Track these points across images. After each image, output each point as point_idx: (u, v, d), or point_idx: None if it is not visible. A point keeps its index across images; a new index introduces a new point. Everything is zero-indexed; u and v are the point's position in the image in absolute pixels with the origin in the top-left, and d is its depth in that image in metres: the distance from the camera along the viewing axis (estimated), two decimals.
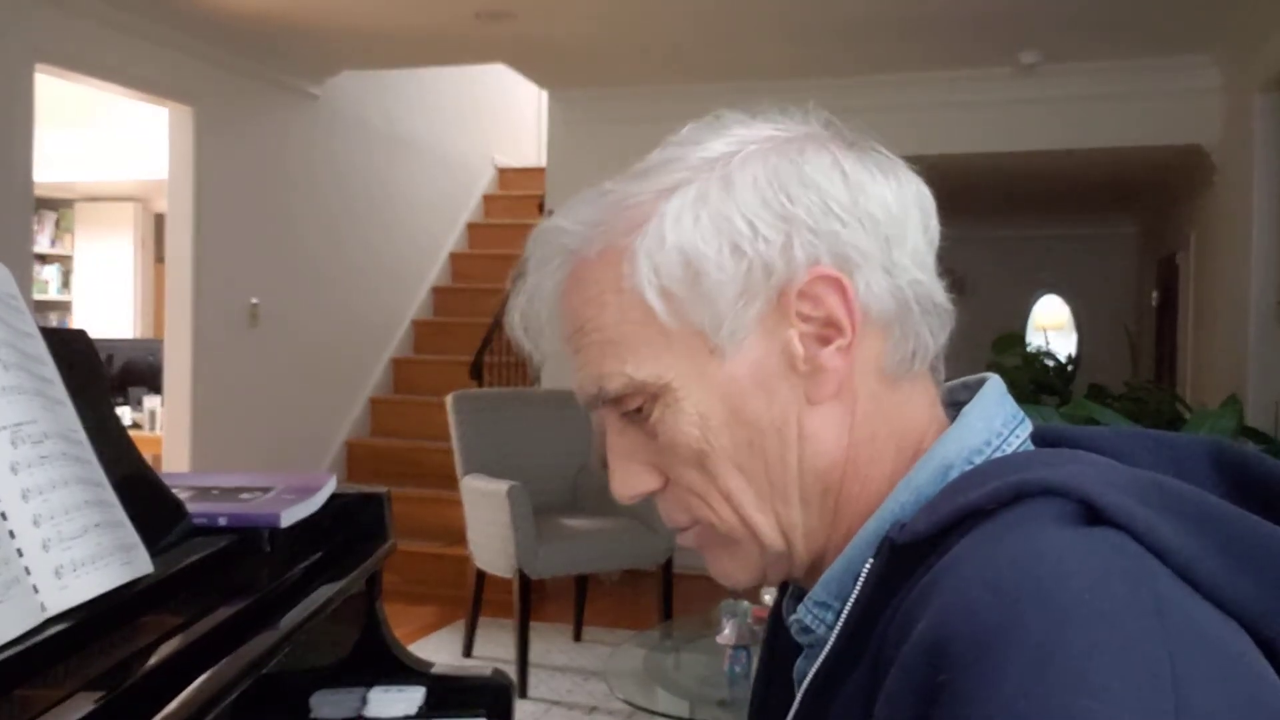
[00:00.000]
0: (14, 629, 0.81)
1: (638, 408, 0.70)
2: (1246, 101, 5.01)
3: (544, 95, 6.87)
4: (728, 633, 3.21)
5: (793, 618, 0.72)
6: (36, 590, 0.86)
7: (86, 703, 0.77)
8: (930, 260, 0.71)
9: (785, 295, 0.67)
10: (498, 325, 6.31)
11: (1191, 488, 0.61)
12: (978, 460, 0.68)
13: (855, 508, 0.70)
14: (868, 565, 0.65)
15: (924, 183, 0.73)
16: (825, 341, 0.68)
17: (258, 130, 5.91)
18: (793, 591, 0.79)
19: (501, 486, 4.38)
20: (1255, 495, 0.66)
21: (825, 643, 0.68)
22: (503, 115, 9.03)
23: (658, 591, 4.85)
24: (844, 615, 0.65)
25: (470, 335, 6.77)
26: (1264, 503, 0.64)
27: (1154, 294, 8.46)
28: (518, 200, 8.45)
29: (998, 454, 0.69)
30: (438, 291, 7.91)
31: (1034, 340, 9.22)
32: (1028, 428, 0.71)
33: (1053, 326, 9.91)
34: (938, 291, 0.71)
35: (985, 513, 0.60)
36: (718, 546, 0.73)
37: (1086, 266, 9.81)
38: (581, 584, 5.01)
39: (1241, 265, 5.08)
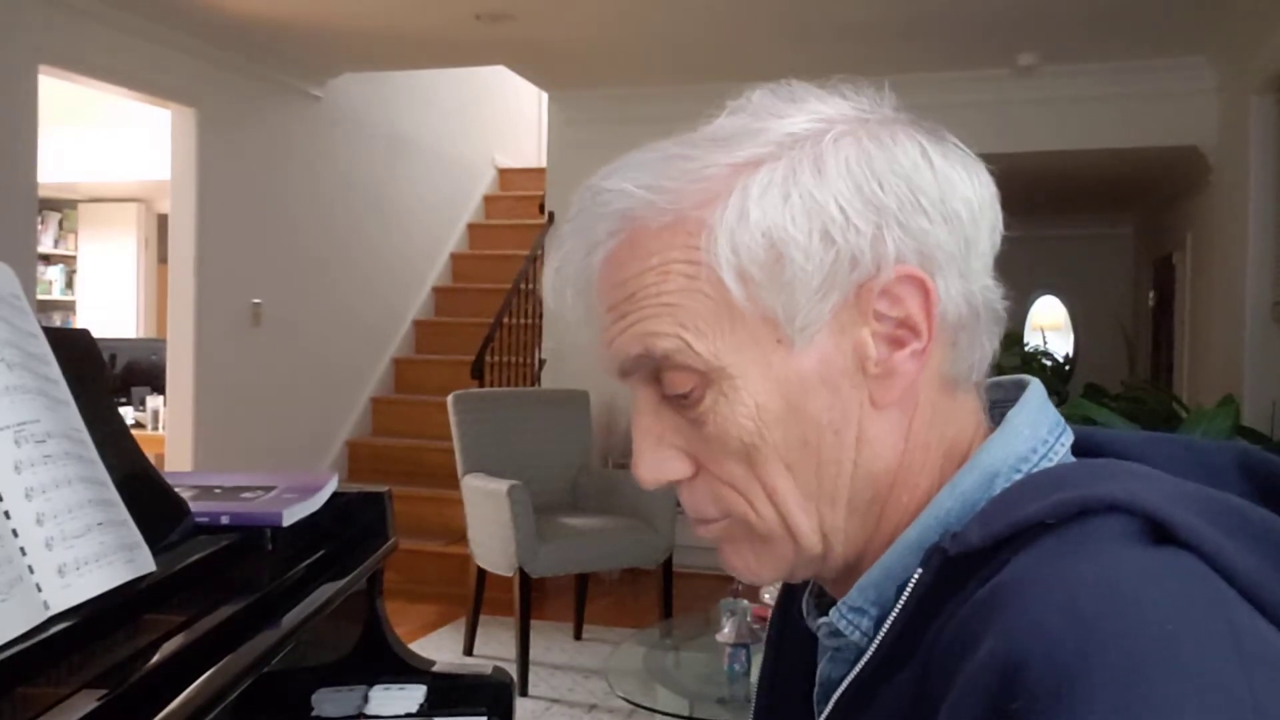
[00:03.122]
0: (17, 627, 0.82)
1: (684, 393, 0.65)
2: (1242, 103, 5.02)
3: (544, 96, 6.88)
4: (727, 631, 3.21)
5: (822, 620, 0.70)
6: (39, 589, 0.86)
7: (89, 700, 0.78)
8: (991, 263, 0.68)
9: (865, 291, 0.63)
10: (499, 325, 6.32)
11: (1245, 502, 0.59)
12: (1024, 469, 0.66)
13: (900, 516, 0.67)
14: (915, 576, 0.62)
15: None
16: (897, 343, 0.64)
17: (260, 131, 5.92)
18: (814, 589, 0.76)
19: (502, 486, 4.39)
20: None
21: (857, 648, 0.66)
22: (503, 116, 9.04)
23: (658, 590, 4.85)
24: (888, 624, 0.63)
25: (471, 335, 6.78)
26: None
27: (1151, 294, 8.46)
28: (518, 201, 8.46)
29: (1044, 462, 0.66)
30: (439, 291, 7.92)
31: (1031, 340, 9.22)
32: (1069, 436, 0.69)
33: (1050, 326, 9.90)
34: (998, 298, 0.68)
35: (1044, 526, 0.58)
36: (745, 542, 0.69)
37: (1084, 267, 9.81)
38: (582, 582, 5.02)
39: (1238, 266, 5.08)
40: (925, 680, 0.58)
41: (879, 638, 0.64)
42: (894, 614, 0.63)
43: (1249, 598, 0.54)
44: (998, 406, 0.71)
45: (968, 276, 0.65)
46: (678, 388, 0.66)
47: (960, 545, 0.60)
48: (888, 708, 0.61)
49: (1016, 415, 0.68)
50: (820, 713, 0.68)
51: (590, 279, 0.68)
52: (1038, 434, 0.67)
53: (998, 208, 0.68)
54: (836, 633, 0.68)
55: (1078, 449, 0.70)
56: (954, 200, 0.65)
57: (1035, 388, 0.70)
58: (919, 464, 0.67)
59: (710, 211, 0.64)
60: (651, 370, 0.66)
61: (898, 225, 0.63)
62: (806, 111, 0.66)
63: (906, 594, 0.63)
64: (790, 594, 0.82)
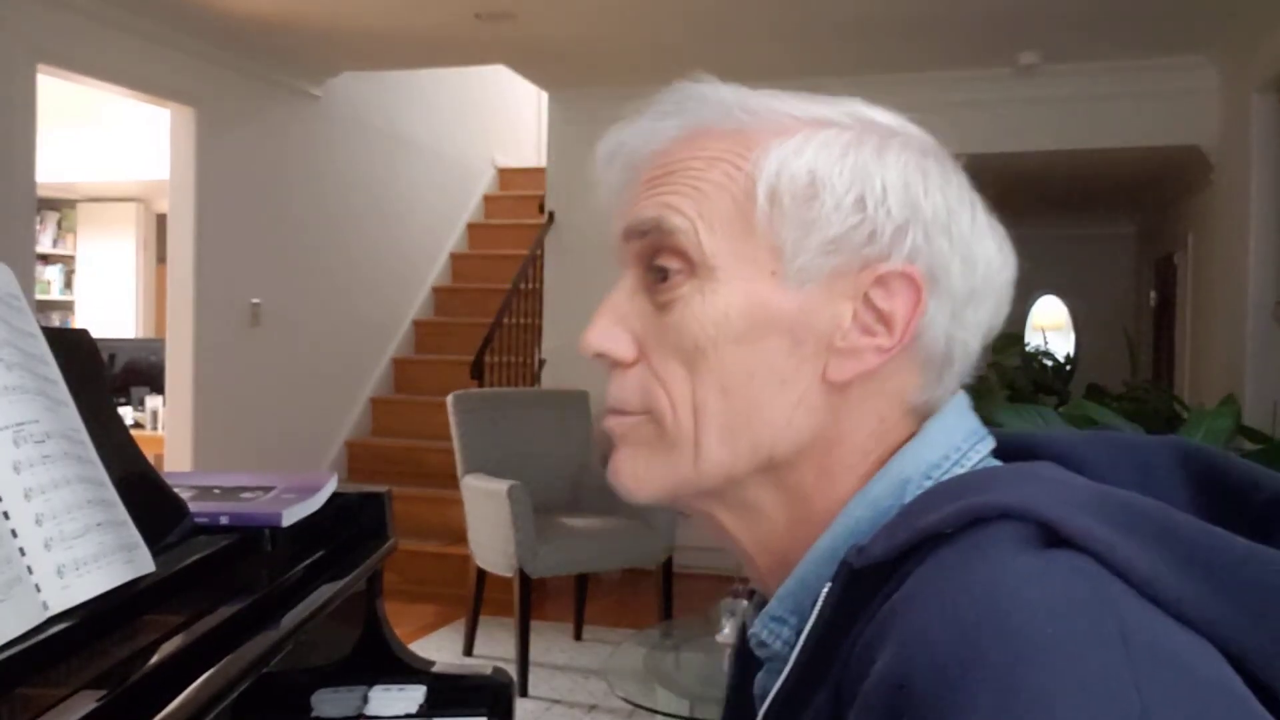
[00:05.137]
0: (16, 628, 0.82)
1: (669, 270, 0.68)
2: (1244, 102, 5.02)
3: (544, 96, 6.88)
4: (727, 631, 3.21)
5: (750, 631, 0.71)
6: (39, 589, 0.86)
7: (88, 701, 0.77)
8: (980, 348, 0.71)
9: (869, 269, 0.66)
10: (499, 325, 6.32)
11: (1153, 501, 0.58)
12: (936, 475, 0.66)
13: (822, 515, 0.68)
14: (826, 589, 0.62)
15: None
16: (869, 333, 0.66)
17: (259, 131, 5.92)
18: (760, 601, 0.76)
19: (502, 486, 4.39)
20: (1225, 498, 0.64)
21: (782, 659, 0.66)
22: (503, 115, 9.04)
23: (657, 590, 4.85)
24: (802, 639, 0.63)
25: (471, 335, 6.78)
26: (1234, 506, 0.63)
27: (1152, 294, 8.47)
28: (518, 200, 8.46)
29: (956, 469, 0.67)
30: (438, 291, 7.92)
31: (1033, 340, 9.23)
32: (989, 444, 0.70)
33: (1051, 327, 9.91)
34: (969, 367, 0.70)
35: (944, 536, 0.57)
36: (644, 448, 0.70)
37: (1085, 267, 9.81)
38: (582, 583, 5.02)
39: (1239, 265, 5.08)
40: (838, 699, 0.58)
41: (795, 653, 0.63)
42: (807, 629, 0.63)
43: (1147, 595, 0.53)
44: None
45: (958, 321, 0.68)
46: (668, 259, 0.68)
47: (865, 559, 0.60)
48: None
49: (931, 424, 0.68)
50: None
51: (645, 153, 0.71)
52: (950, 441, 0.68)
53: (1008, 295, 0.71)
54: (763, 643, 0.69)
55: (1014, 454, 0.69)
56: (978, 249, 0.68)
57: (957, 399, 0.71)
58: (851, 464, 0.68)
59: (774, 138, 0.68)
60: (651, 245, 0.69)
61: (923, 231, 0.66)
62: (886, 114, 0.71)
63: (817, 608, 0.62)
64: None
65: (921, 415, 0.69)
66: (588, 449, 5.24)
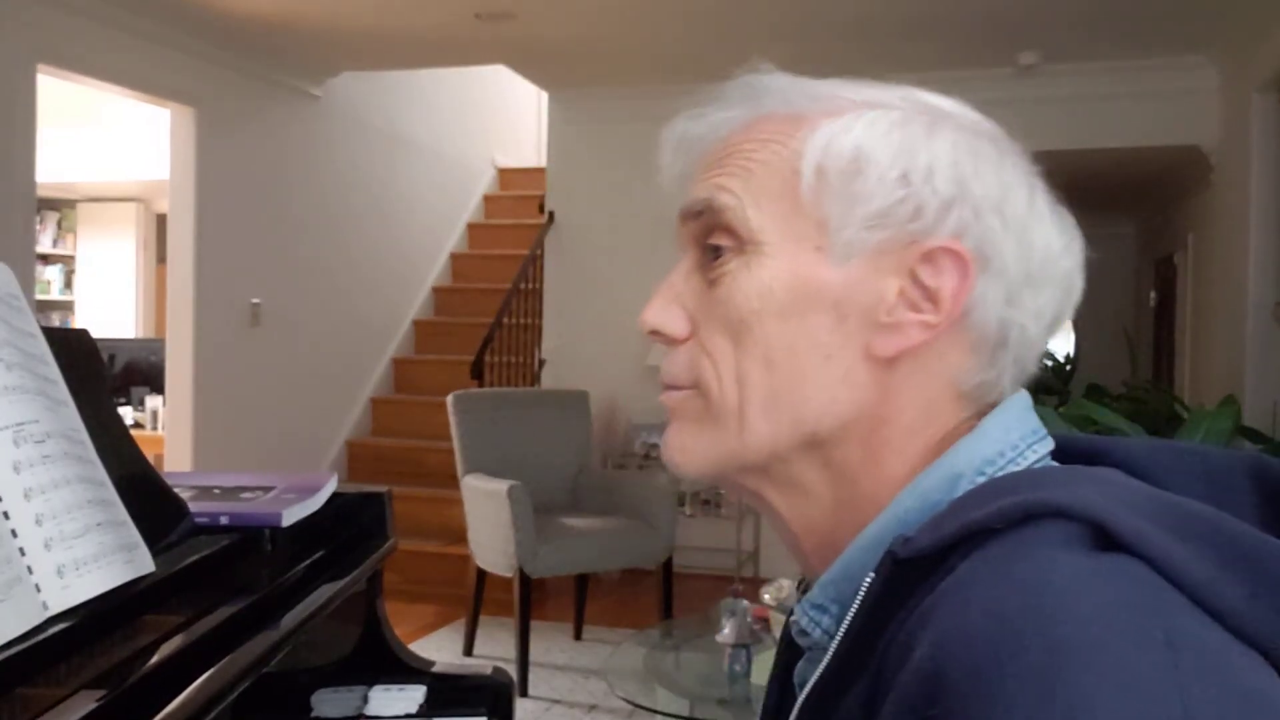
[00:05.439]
0: (16, 628, 0.82)
1: (717, 252, 0.69)
2: (1244, 102, 5.02)
3: (544, 95, 6.88)
4: (727, 632, 3.21)
5: (791, 619, 0.70)
6: (39, 589, 0.86)
7: (88, 701, 0.77)
8: (1045, 336, 0.70)
9: (915, 245, 0.66)
10: (498, 325, 6.32)
11: (1208, 508, 0.57)
12: (989, 471, 0.65)
13: (869, 498, 0.67)
14: (869, 579, 0.61)
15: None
16: (915, 309, 0.66)
17: (259, 131, 5.92)
18: (806, 586, 0.76)
19: (502, 486, 4.38)
20: None
21: (822, 648, 0.65)
22: (503, 115, 9.04)
23: (658, 590, 4.85)
24: (842, 629, 0.62)
25: (471, 335, 6.78)
26: None
27: (1152, 294, 8.46)
28: (518, 200, 8.45)
29: (1011, 466, 0.66)
30: (438, 291, 7.92)
31: None
32: (1048, 445, 0.68)
33: None
34: (1033, 358, 0.70)
35: (992, 531, 0.56)
36: (692, 421, 0.71)
37: (1084, 267, 9.80)
38: (582, 583, 5.01)
39: (1239, 265, 5.08)
40: (875, 691, 0.57)
41: (835, 642, 0.63)
42: (848, 618, 0.62)
43: (1201, 604, 0.51)
44: None
45: (1014, 303, 0.67)
46: (718, 235, 0.70)
47: (910, 550, 0.59)
48: (847, 715, 0.60)
49: (989, 420, 0.67)
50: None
51: (707, 142, 0.73)
52: (1008, 439, 0.66)
53: (1071, 289, 0.70)
54: (804, 631, 0.68)
55: (1075, 458, 0.68)
56: (1034, 233, 0.68)
57: (1017, 397, 0.70)
58: (898, 446, 0.67)
59: (824, 118, 0.69)
60: (704, 225, 0.71)
61: (972, 209, 0.66)
62: (943, 99, 0.72)
63: (859, 598, 0.62)
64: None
65: (974, 401, 0.68)
66: (588, 449, 5.24)
